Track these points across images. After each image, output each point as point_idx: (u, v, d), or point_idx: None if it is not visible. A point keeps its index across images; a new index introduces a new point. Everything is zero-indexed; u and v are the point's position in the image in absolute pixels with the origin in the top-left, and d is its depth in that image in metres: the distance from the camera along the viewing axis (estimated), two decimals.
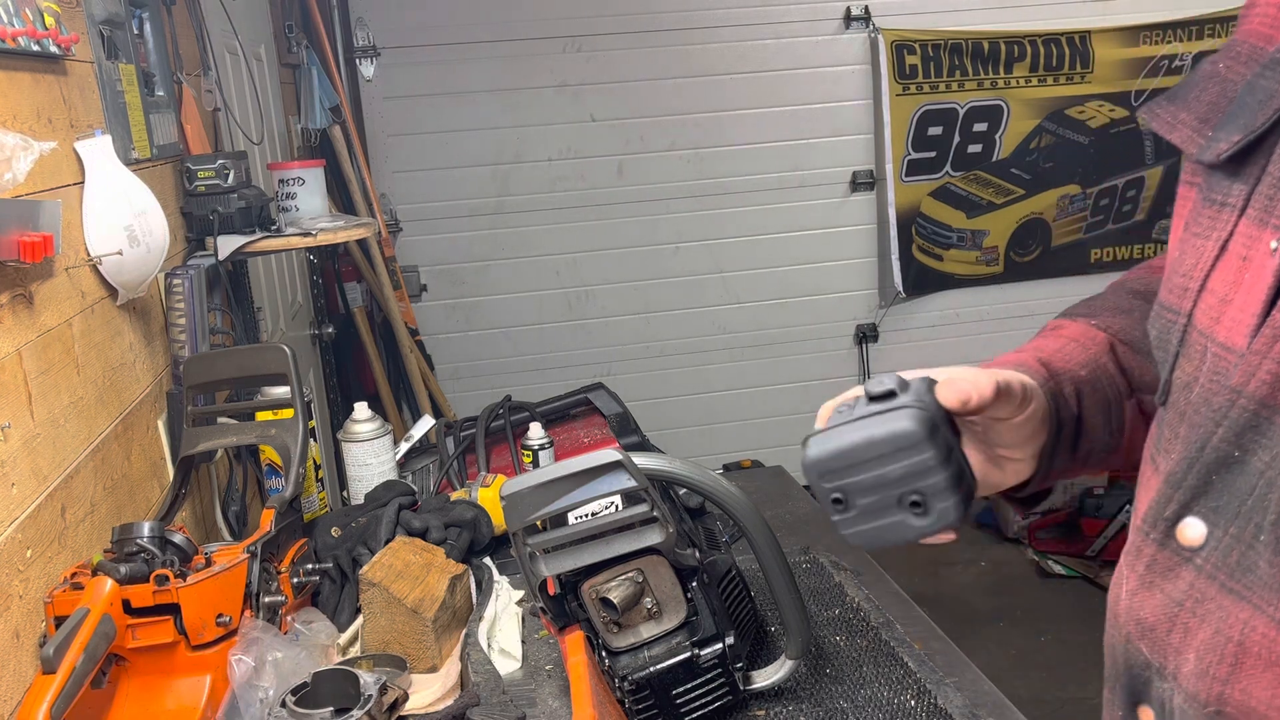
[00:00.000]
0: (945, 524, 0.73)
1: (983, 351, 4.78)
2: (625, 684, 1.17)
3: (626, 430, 2.06)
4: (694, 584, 1.20)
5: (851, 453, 0.73)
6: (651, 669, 1.18)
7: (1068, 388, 0.80)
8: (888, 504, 0.73)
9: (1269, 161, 0.61)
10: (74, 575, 1.22)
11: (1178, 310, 0.67)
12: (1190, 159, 0.69)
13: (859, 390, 0.78)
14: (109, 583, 1.18)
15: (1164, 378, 0.68)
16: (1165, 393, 0.68)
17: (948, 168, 4.59)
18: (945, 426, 0.74)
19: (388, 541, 1.57)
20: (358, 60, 4.15)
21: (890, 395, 0.74)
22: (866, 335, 4.74)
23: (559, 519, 1.15)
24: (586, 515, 1.16)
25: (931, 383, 0.76)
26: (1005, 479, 0.83)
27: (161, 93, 1.94)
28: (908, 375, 0.76)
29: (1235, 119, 0.64)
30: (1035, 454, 0.81)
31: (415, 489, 1.82)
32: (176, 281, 1.73)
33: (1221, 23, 4.57)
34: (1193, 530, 0.61)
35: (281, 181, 2.21)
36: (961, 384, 0.74)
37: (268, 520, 1.44)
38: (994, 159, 4.61)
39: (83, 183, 1.46)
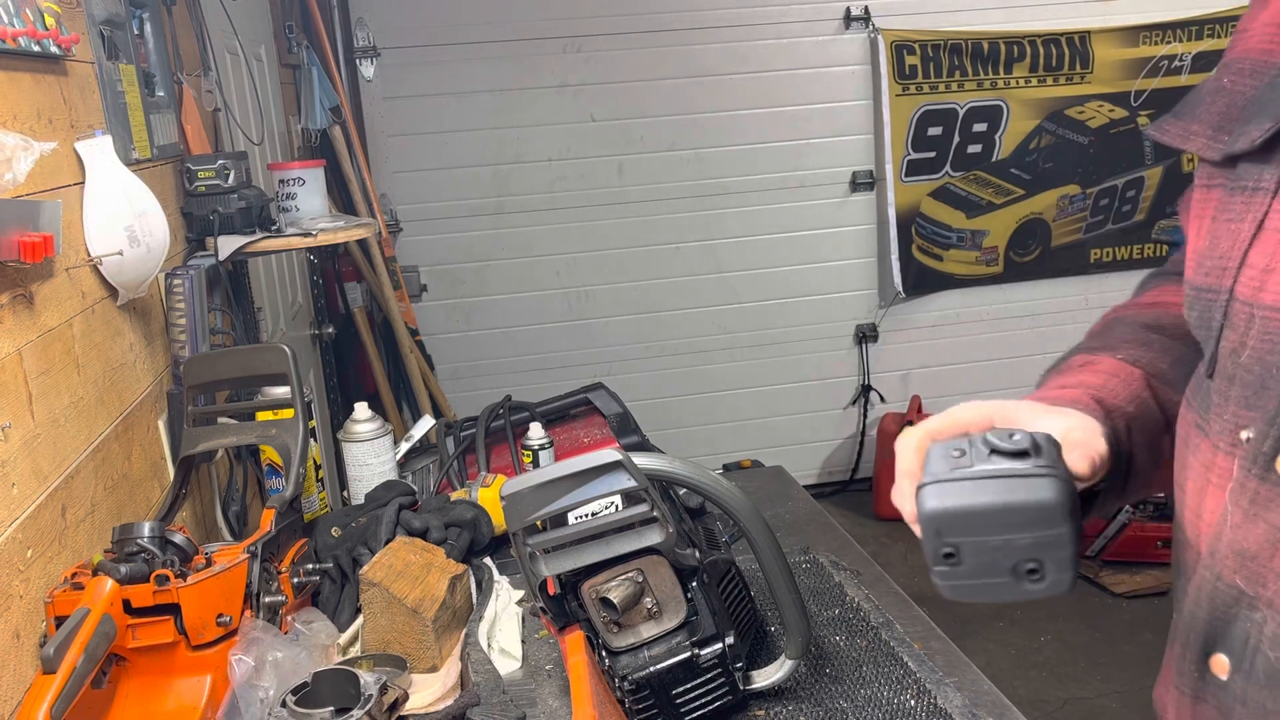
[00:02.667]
0: (1056, 592, 0.71)
1: (982, 352, 4.80)
2: (625, 684, 1.17)
3: (626, 430, 2.06)
4: (694, 584, 1.20)
5: (984, 515, 0.69)
6: (651, 669, 1.18)
7: (1120, 424, 0.81)
8: (1002, 567, 0.71)
9: None
10: (74, 575, 1.22)
11: (1217, 289, 0.71)
12: (1208, 163, 0.75)
13: (962, 425, 0.77)
14: (109, 583, 1.18)
15: (1210, 351, 0.73)
16: (1212, 364, 0.72)
17: (947, 168, 4.59)
18: (1078, 497, 0.71)
19: (388, 541, 1.57)
20: (358, 60, 4.15)
21: (1024, 455, 0.70)
22: (866, 335, 4.74)
23: (559, 519, 1.15)
24: (586, 515, 1.16)
25: (1058, 445, 0.73)
26: None
27: (162, 93, 1.94)
28: (1033, 431, 0.74)
29: (1262, 114, 0.70)
30: (1086, 491, 0.82)
31: (415, 489, 1.82)
32: (177, 282, 1.73)
33: (1221, 23, 4.58)
34: None
35: (282, 182, 2.21)
36: (1089, 450, 0.75)
37: (268, 520, 1.44)
38: (994, 159, 4.61)
39: (83, 183, 1.46)
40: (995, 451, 0.71)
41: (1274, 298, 0.67)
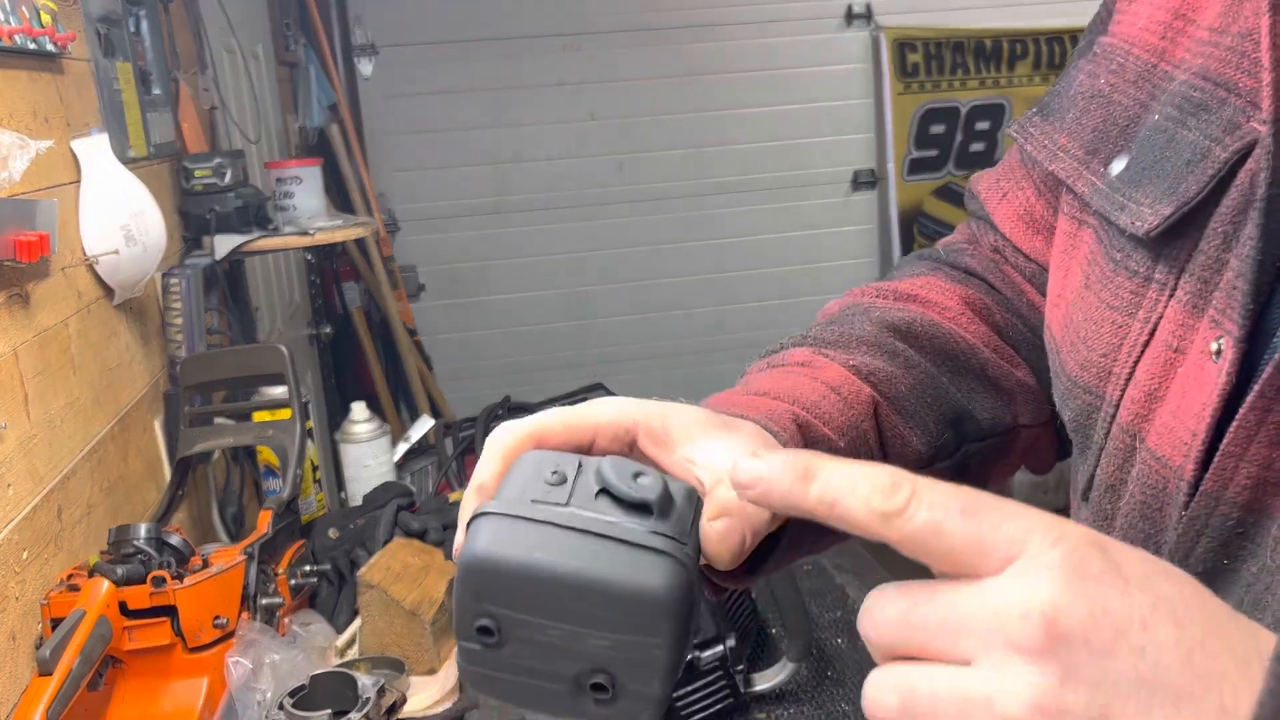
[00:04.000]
0: None
1: None
2: None
3: None
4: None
5: (552, 586, 0.44)
6: None
7: None
8: (558, 671, 0.46)
9: (1201, 237, 0.52)
10: (70, 577, 1.22)
11: (1098, 393, 0.58)
12: (1081, 198, 0.61)
13: (589, 430, 0.53)
14: (105, 584, 1.18)
15: (1087, 472, 0.59)
16: (1088, 487, 0.59)
17: (950, 166, 4.58)
18: (699, 590, 0.47)
19: (386, 543, 1.56)
20: (356, 58, 4.14)
21: (643, 510, 0.46)
22: None
23: None
24: None
25: (698, 507, 0.49)
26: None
27: (158, 91, 1.93)
28: (673, 472, 0.52)
29: (1155, 178, 0.55)
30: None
31: (414, 490, 1.82)
32: (173, 281, 1.72)
33: None
34: None
35: (279, 180, 2.20)
36: (739, 529, 0.50)
37: (265, 522, 1.43)
38: (996, 157, 4.59)
39: (79, 182, 1.45)
40: (606, 492, 0.46)
41: (1161, 441, 0.53)
